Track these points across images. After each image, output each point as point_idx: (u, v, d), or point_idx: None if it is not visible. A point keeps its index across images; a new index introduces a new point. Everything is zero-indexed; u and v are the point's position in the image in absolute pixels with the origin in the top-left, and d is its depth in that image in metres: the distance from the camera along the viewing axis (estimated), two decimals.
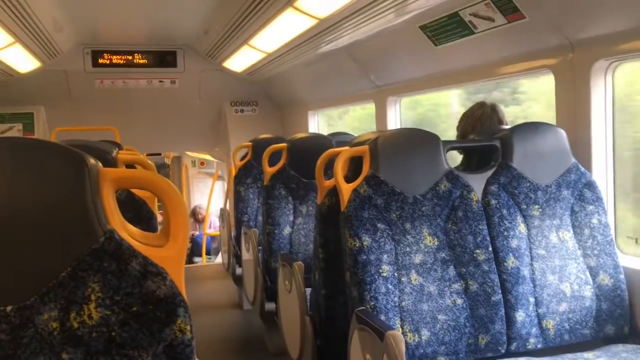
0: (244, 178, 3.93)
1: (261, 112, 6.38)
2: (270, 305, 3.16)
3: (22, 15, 3.49)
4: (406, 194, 1.96)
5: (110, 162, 1.91)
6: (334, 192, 2.14)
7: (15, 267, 0.85)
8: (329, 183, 2.18)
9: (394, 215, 1.94)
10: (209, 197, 8.18)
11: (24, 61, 4.67)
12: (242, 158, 4.08)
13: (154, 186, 0.96)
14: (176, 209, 0.96)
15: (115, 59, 5.55)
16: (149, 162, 2.08)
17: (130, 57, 5.57)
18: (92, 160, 0.90)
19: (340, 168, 1.99)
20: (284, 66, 4.96)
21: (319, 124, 5.56)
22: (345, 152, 2.02)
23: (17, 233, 0.85)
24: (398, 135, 2.06)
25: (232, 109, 6.32)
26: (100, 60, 5.50)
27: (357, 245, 1.87)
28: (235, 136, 6.26)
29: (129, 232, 0.93)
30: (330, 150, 2.26)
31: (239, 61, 5.20)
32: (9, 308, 0.83)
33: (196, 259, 8.33)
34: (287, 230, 3.08)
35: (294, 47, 4.15)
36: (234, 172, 5.89)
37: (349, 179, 2.02)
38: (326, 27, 3.46)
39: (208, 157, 8.75)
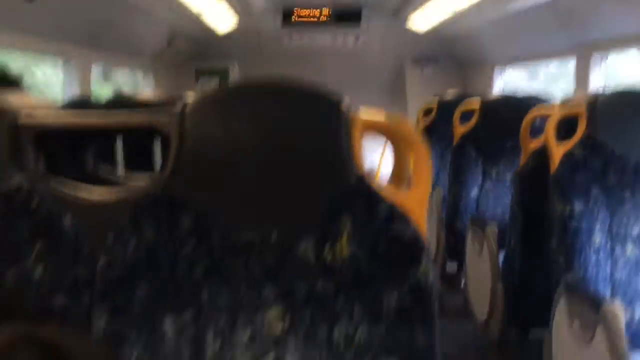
0: (426, 138, 3.89)
1: (441, 70, 6.24)
2: (452, 266, 3.14)
3: None
4: (626, 160, 1.80)
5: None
6: (539, 154, 2.02)
7: (276, 202, 0.92)
8: (535, 144, 2.07)
9: (611, 181, 1.79)
10: (382, 155, 8.26)
11: (222, 21, 5.06)
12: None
13: (400, 132, 0.98)
14: (421, 156, 0.98)
15: (303, 17, 5.77)
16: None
17: (317, 13, 5.74)
18: (344, 105, 0.94)
19: (552, 128, 1.88)
20: (471, 24, 4.77)
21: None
22: (559, 111, 1.90)
23: (276, 172, 0.92)
24: (620, 96, 1.88)
25: (412, 67, 6.26)
26: (290, 20, 5.76)
27: (568, 210, 1.76)
28: (414, 95, 6.21)
29: None
30: (540, 107, 2.14)
31: (423, 19, 5.12)
32: (273, 236, 0.91)
33: None
34: (474, 192, 3.00)
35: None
36: None
37: None
38: None
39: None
